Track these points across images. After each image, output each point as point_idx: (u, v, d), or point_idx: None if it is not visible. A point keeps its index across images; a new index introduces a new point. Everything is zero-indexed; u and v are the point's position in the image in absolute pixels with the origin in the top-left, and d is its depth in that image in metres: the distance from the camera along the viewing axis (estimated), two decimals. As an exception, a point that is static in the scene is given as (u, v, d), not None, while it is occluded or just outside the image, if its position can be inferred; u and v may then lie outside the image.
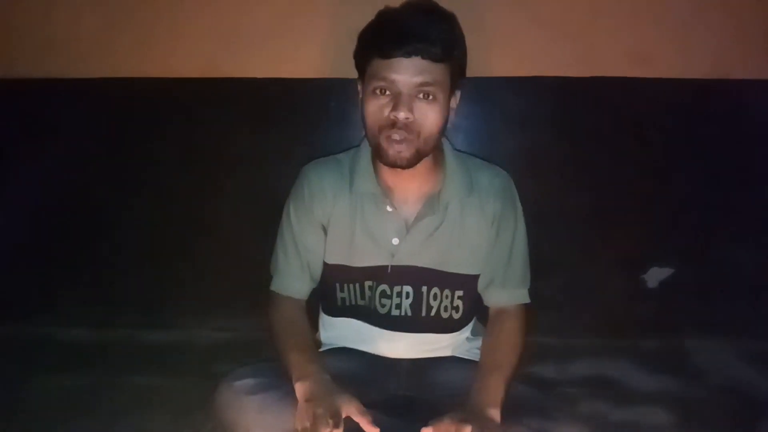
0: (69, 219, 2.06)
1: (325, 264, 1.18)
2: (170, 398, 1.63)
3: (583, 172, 1.93)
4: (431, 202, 1.11)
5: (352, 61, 1.08)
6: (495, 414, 0.96)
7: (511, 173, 1.22)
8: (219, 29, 1.88)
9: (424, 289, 1.14)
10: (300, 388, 0.96)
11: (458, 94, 1.08)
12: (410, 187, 1.12)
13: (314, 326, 1.25)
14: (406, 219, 1.12)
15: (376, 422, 0.93)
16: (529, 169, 1.76)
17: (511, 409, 0.98)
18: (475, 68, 1.22)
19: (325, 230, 1.15)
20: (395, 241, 1.12)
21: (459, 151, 1.19)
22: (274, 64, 1.88)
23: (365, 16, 1.13)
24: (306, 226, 1.15)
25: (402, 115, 0.96)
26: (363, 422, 0.93)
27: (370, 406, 0.97)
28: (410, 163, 1.01)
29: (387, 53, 0.96)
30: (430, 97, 0.98)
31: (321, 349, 1.22)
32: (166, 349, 1.95)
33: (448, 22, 1.09)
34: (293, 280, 1.18)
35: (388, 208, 1.11)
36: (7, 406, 1.58)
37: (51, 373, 1.78)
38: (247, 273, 2.02)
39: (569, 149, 1.91)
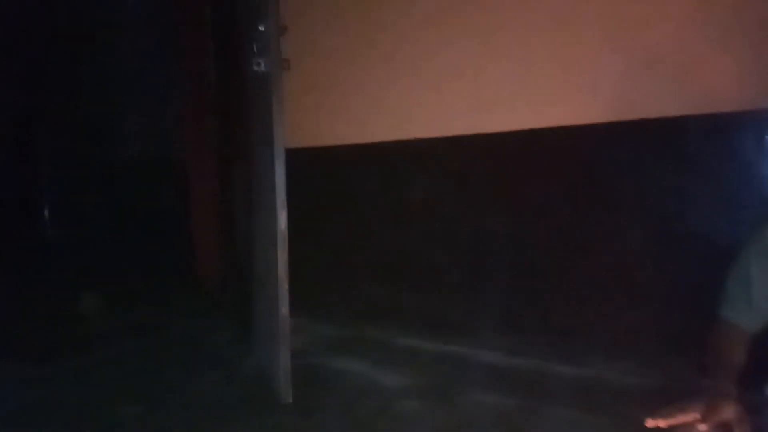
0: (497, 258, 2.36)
1: None
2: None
3: None
4: None
5: None
6: None
7: None
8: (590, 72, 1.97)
9: None
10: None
11: None
12: None
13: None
14: None
15: None
16: None
17: None
18: None
19: None
20: None
21: None
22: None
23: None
24: (757, 264, 1.14)
25: None
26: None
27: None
28: None
29: None
30: None
31: None
32: (575, 384, 1.99)
33: None
34: (737, 311, 1.19)
35: None
36: (439, 415, 1.84)
37: (475, 390, 2.01)
38: (659, 318, 1.97)
39: None
